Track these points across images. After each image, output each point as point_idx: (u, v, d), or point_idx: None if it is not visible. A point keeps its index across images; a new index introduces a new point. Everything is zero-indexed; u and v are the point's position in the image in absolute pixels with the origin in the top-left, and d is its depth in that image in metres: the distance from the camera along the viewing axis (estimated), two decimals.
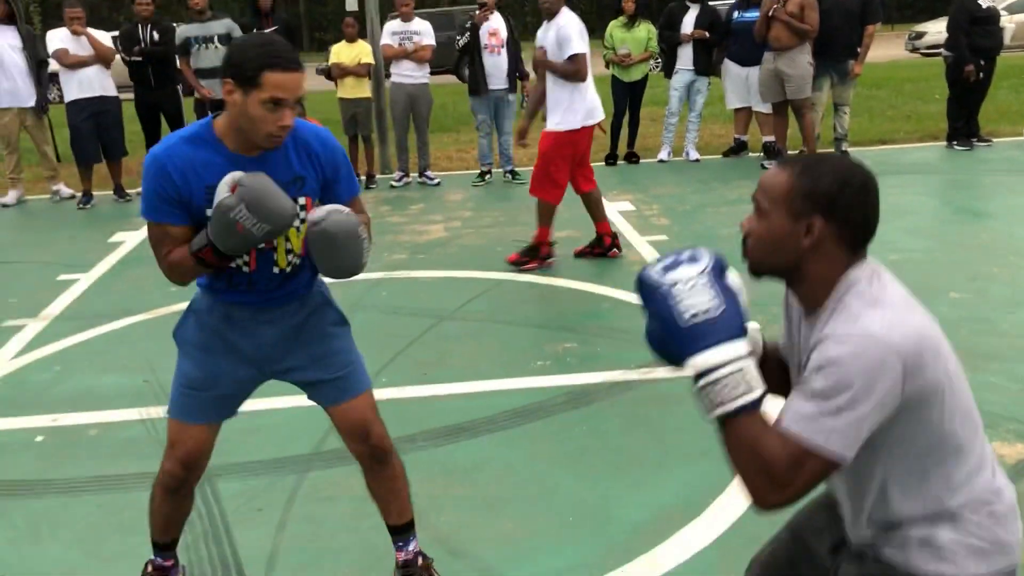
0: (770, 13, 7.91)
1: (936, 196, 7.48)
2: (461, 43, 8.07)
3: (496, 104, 8.23)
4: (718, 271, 1.51)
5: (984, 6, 8.68)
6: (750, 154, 9.24)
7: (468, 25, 8.02)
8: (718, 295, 1.48)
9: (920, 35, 21.40)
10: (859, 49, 8.25)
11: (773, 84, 8.15)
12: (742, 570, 2.61)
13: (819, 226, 1.54)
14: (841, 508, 1.70)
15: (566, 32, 5.43)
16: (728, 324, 1.46)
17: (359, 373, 2.53)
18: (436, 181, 8.61)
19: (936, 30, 18.62)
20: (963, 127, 9.08)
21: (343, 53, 8.40)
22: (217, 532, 3.02)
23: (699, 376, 1.46)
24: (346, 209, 2.22)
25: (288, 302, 2.43)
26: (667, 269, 1.50)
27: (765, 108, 8.50)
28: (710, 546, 2.83)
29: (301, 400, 3.87)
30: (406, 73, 8.28)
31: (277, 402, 4.01)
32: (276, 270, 2.33)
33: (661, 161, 9.15)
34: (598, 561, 2.77)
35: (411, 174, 8.75)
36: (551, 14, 5.55)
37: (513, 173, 8.52)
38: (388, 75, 8.61)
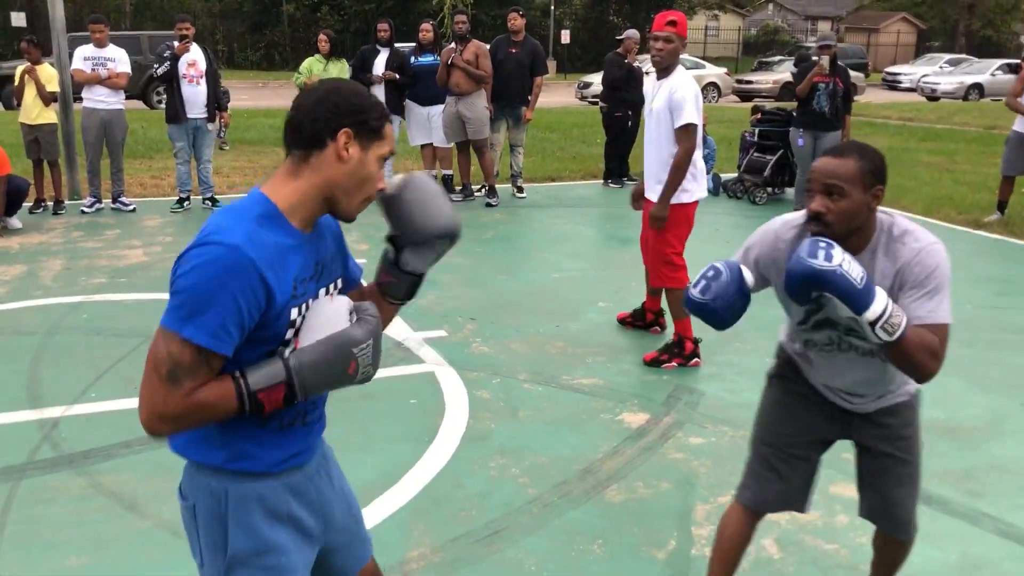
0: (449, 61, 8.82)
1: (593, 225, 8.72)
2: (160, 72, 8.14)
3: (195, 132, 8.38)
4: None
5: (629, 66, 10.22)
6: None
7: (168, 55, 8.12)
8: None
9: (587, 84, 23.96)
10: (530, 97, 9.39)
11: (455, 125, 9.06)
12: (431, 523, 3.27)
13: (882, 191, 2.18)
14: (852, 385, 2.39)
15: (680, 96, 4.59)
16: (871, 280, 2.08)
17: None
18: (131, 207, 8.54)
19: (598, 82, 20.99)
20: (616, 167, 10.61)
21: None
22: None
23: (878, 317, 2.04)
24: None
25: (318, 442, 1.90)
26: (827, 257, 2.02)
27: (445, 144, 9.37)
28: (403, 508, 3.40)
29: (6, 416, 3.99)
30: (100, 98, 8.18)
31: None
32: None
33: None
34: None
35: (103, 200, 8.59)
36: (665, 70, 4.70)
37: (213, 200, 8.68)
38: (78, 99, 8.43)
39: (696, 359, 4.87)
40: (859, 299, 2.04)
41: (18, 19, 17.37)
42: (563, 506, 3.41)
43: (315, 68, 9.26)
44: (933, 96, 27.74)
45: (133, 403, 4.31)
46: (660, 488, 3.57)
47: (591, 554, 3.12)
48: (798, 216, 2.32)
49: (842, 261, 2.02)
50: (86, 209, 8.42)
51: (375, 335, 1.67)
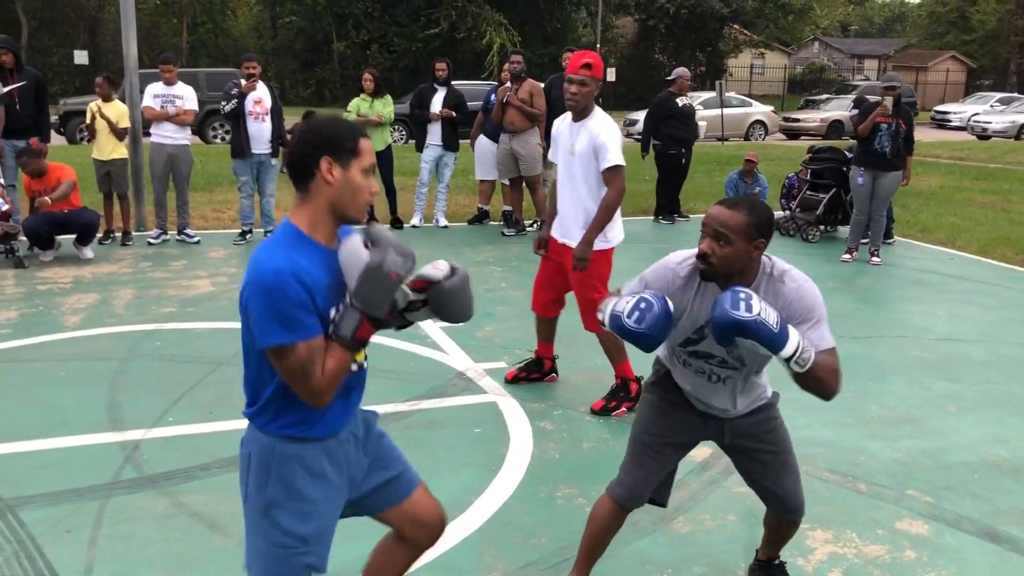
0: (504, 99, 9.02)
1: (645, 260, 8.63)
2: (227, 108, 8.44)
3: (258, 167, 8.64)
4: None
5: (680, 103, 10.35)
6: (491, 222, 10.28)
7: (235, 92, 8.41)
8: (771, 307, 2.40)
9: (633, 122, 24.10)
10: None
11: (509, 162, 9.25)
12: (502, 549, 3.35)
13: (764, 243, 2.48)
14: (720, 404, 2.75)
15: (603, 139, 4.52)
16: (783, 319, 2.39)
17: (407, 460, 2.50)
18: (196, 239, 8.81)
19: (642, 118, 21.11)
20: (667, 204, 10.70)
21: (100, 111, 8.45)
22: (28, 551, 3.25)
23: (793, 353, 2.35)
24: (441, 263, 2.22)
25: (352, 416, 2.31)
26: (748, 308, 2.32)
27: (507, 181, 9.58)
28: (474, 533, 3.49)
29: (90, 438, 4.16)
30: (167, 134, 8.50)
31: (65, 441, 4.24)
32: (355, 367, 2.23)
33: (413, 227, 9.93)
34: None
35: (168, 232, 8.87)
36: (582, 112, 4.62)
37: None
38: (147, 134, 8.76)
39: None
40: (777, 342, 2.35)
41: (81, 57, 17.95)
42: (631, 536, 3.47)
43: (361, 107, 9.52)
44: (984, 135, 27.47)
45: (209, 427, 4.50)
46: (726, 520, 3.61)
47: None
48: (690, 253, 2.61)
49: (760, 310, 2.33)
50: (153, 240, 8.71)
51: (388, 247, 2.04)
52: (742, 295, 2.35)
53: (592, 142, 4.54)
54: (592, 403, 4.81)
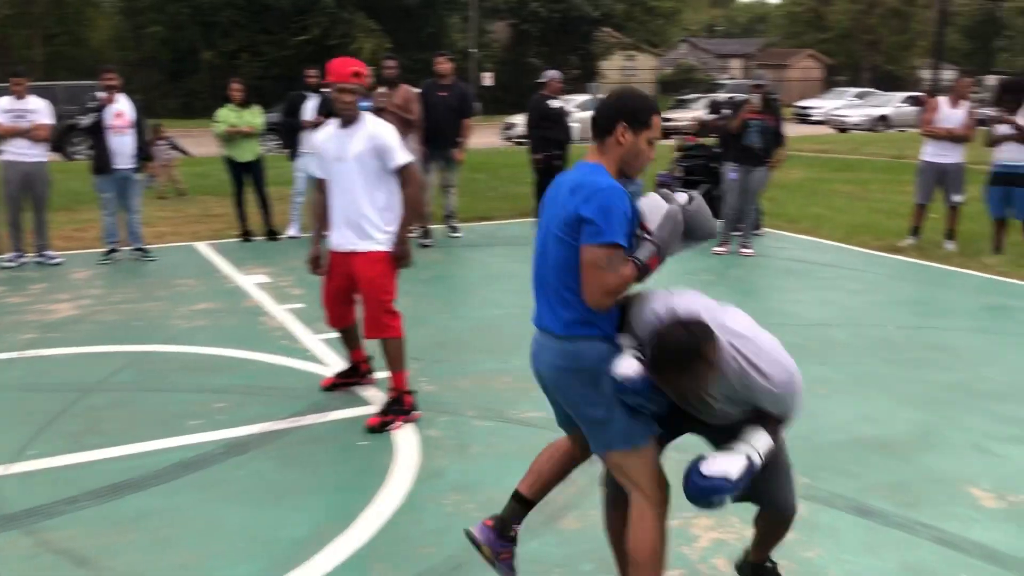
0: (379, 106, 8.91)
1: (529, 262, 8.82)
2: (85, 123, 8.04)
3: (123, 183, 8.27)
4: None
5: (553, 106, 10.45)
6: None
7: (94, 106, 8.03)
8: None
9: (511, 126, 24.31)
10: (459, 139, 9.53)
11: None
12: (392, 562, 3.29)
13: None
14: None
15: (384, 141, 4.56)
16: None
17: None
18: (57, 260, 8.36)
19: (522, 122, 21.34)
20: None
21: None
22: None
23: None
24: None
25: None
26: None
27: None
28: (362, 548, 3.41)
29: None
30: (21, 151, 8.04)
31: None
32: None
33: (291, 237, 9.70)
34: (269, 572, 3.23)
35: (27, 254, 8.39)
36: (351, 119, 4.59)
37: (143, 251, 8.56)
38: None
39: (416, 411, 4.66)
40: (746, 475, 2.51)
41: None
42: (521, 538, 3.45)
43: (230, 117, 9.26)
44: (843, 128, 28.91)
45: (76, 458, 4.27)
46: None
47: None
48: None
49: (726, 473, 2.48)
50: (8, 264, 8.21)
51: (689, 203, 2.67)
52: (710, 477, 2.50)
53: (372, 144, 4.54)
54: (367, 421, 4.59)
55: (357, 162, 4.54)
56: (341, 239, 4.67)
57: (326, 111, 9.27)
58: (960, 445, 4.37)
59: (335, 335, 5.18)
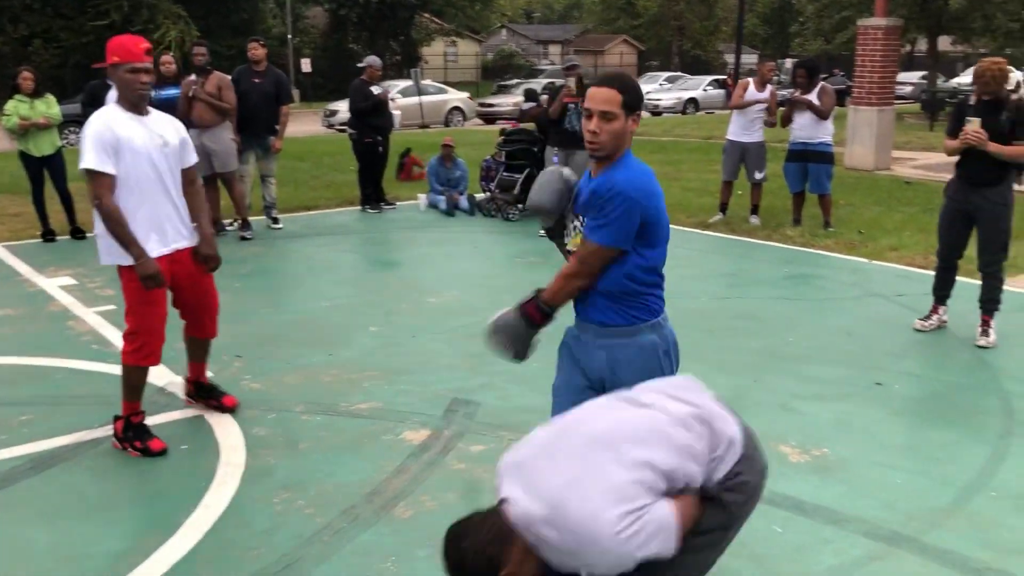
0: (190, 94, 8.52)
1: (355, 252, 8.73)
2: None
3: None
4: None
5: (374, 91, 10.33)
6: None
7: None
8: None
9: (333, 112, 23.82)
10: (277, 126, 9.24)
11: (201, 159, 8.71)
12: (219, 566, 3.18)
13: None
14: None
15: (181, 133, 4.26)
16: None
17: None
18: None
19: (345, 109, 20.97)
20: (372, 193, 10.66)
21: None
22: None
23: None
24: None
25: None
26: None
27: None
28: (188, 555, 3.27)
29: None
30: None
31: None
32: None
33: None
34: None
35: None
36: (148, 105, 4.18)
37: None
38: None
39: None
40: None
41: None
42: (353, 530, 3.42)
43: (20, 109, 8.60)
44: (656, 112, 30.13)
45: None
46: (447, 499, 3.66)
47: (386, 572, 3.16)
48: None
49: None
50: None
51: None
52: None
53: (179, 134, 4.21)
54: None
55: (176, 152, 4.19)
56: (167, 233, 4.26)
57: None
58: (769, 405, 4.68)
59: None
